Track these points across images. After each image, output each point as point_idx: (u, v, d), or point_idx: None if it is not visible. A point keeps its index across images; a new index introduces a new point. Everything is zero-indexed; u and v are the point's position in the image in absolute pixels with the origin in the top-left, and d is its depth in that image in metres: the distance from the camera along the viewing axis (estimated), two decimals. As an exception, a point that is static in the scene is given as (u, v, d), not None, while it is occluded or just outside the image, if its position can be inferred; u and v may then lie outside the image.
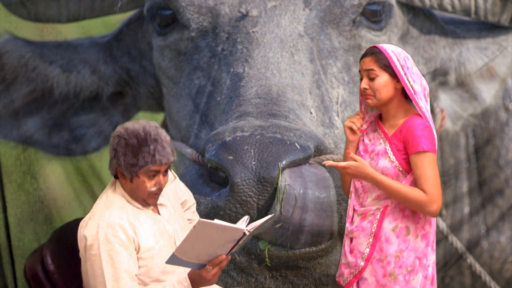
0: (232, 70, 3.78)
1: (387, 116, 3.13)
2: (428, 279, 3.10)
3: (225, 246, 2.84)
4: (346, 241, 3.17)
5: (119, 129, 2.98)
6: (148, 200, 3.00)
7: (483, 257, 4.58)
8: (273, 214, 3.26)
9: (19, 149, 4.29)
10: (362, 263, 3.09)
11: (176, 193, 3.20)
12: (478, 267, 4.40)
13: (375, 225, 3.07)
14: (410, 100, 3.09)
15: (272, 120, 3.50)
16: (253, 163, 3.36)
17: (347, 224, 3.17)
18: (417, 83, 3.06)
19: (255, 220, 3.38)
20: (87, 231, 2.94)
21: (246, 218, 2.93)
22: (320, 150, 3.49)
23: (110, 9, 4.22)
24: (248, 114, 3.55)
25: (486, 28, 4.27)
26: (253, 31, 3.81)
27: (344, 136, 3.78)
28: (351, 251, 3.14)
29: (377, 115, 3.18)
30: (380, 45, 3.09)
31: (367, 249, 3.08)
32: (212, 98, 3.84)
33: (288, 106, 3.59)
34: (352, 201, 3.18)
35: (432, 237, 3.12)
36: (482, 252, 4.59)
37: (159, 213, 3.07)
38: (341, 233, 3.44)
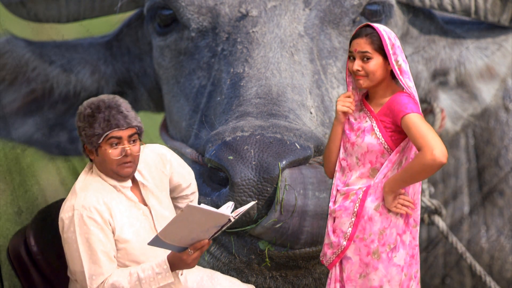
0: (232, 70, 3.78)
1: (375, 95, 3.13)
2: (414, 258, 3.12)
3: (208, 231, 2.86)
4: (329, 221, 3.17)
5: (80, 106, 3.00)
6: (119, 171, 2.98)
7: (483, 257, 4.58)
8: (255, 201, 3.27)
9: (14, 151, 4.28)
10: (345, 243, 3.10)
11: (163, 174, 3.17)
12: (478, 267, 4.40)
13: (357, 205, 3.08)
14: (397, 80, 3.09)
15: (272, 120, 3.50)
16: (253, 163, 3.36)
17: (330, 204, 3.16)
18: (406, 62, 3.07)
19: (256, 220, 3.39)
20: (63, 213, 2.96)
21: (230, 204, 2.94)
22: (320, 150, 3.49)
23: (110, 9, 4.21)
24: (248, 114, 3.55)
25: (486, 28, 4.27)
26: (253, 31, 3.81)
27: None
28: (334, 231, 3.14)
29: (362, 95, 3.18)
30: (373, 24, 3.08)
31: (350, 229, 3.09)
32: (212, 98, 3.83)
33: (288, 106, 3.59)
34: (336, 181, 3.18)
35: (418, 218, 3.13)
36: (482, 252, 4.59)
37: (140, 191, 3.06)
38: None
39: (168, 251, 2.94)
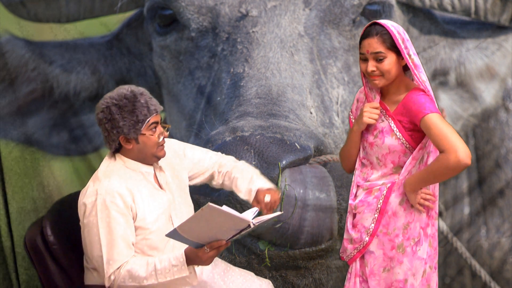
0: (232, 70, 3.78)
1: (388, 92, 3.08)
2: (435, 249, 3.11)
3: (227, 232, 2.86)
4: (349, 218, 3.14)
5: (104, 101, 3.00)
6: (157, 153, 3.03)
7: (483, 257, 4.58)
8: (281, 212, 3.24)
9: (20, 149, 4.28)
10: (367, 238, 3.08)
11: (172, 160, 3.19)
12: (478, 267, 4.40)
13: (381, 201, 3.05)
14: (409, 74, 3.06)
15: (272, 120, 3.50)
16: (253, 163, 3.36)
17: (350, 201, 3.13)
18: (417, 55, 3.03)
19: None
20: (86, 198, 2.98)
21: (255, 210, 2.93)
22: (320, 150, 3.49)
23: (110, 9, 4.22)
24: (248, 114, 3.55)
25: (486, 28, 4.27)
26: (253, 31, 3.81)
27: (344, 136, 3.78)
28: (354, 226, 3.12)
29: (378, 94, 3.15)
30: (381, 21, 3.02)
31: (372, 225, 3.07)
32: (212, 98, 3.84)
33: (288, 106, 3.59)
34: (356, 178, 3.14)
35: (436, 209, 3.12)
36: (482, 252, 4.59)
37: (157, 179, 3.08)
38: (341, 233, 3.44)
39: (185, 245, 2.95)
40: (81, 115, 4.38)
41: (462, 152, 2.91)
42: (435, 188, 3.10)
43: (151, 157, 3.04)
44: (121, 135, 2.99)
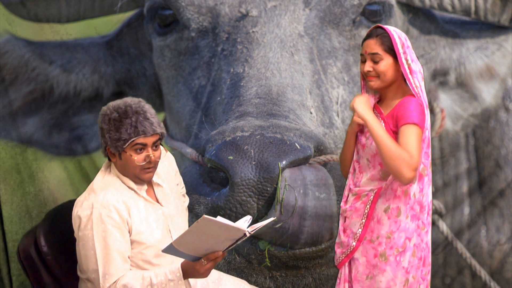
0: (232, 70, 3.78)
1: (385, 97, 3.13)
2: (422, 260, 3.11)
3: (223, 243, 2.86)
4: (341, 221, 3.19)
5: (105, 107, 2.98)
6: (140, 175, 2.98)
7: (483, 257, 4.58)
8: (274, 218, 3.25)
9: (19, 149, 4.28)
10: (354, 243, 3.11)
11: (170, 173, 3.17)
12: (478, 267, 4.40)
13: (368, 206, 3.09)
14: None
15: (272, 120, 3.50)
16: (253, 163, 3.36)
17: (342, 204, 3.18)
18: (416, 62, 3.06)
19: (256, 220, 3.39)
20: (81, 211, 2.94)
21: (248, 218, 2.93)
22: (320, 150, 3.50)
23: (110, 9, 4.22)
24: (248, 114, 3.55)
25: (486, 28, 4.27)
26: (253, 31, 3.82)
27: (344, 136, 3.78)
28: (344, 231, 3.15)
29: (376, 98, 3.17)
30: (384, 25, 3.08)
31: (360, 230, 3.10)
32: (212, 98, 3.84)
33: (288, 106, 3.60)
34: (349, 181, 3.18)
35: (427, 220, 3.12)
36: (482, 252, 4.59)
37: (154, 194, 3.07)
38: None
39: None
40: (81, 115, 4.38)
41: (414, 174, 2.96)
42: (423, 198, 3.10)
43: (134, 177, 2.99)
44: (107, 146, 2.98)
